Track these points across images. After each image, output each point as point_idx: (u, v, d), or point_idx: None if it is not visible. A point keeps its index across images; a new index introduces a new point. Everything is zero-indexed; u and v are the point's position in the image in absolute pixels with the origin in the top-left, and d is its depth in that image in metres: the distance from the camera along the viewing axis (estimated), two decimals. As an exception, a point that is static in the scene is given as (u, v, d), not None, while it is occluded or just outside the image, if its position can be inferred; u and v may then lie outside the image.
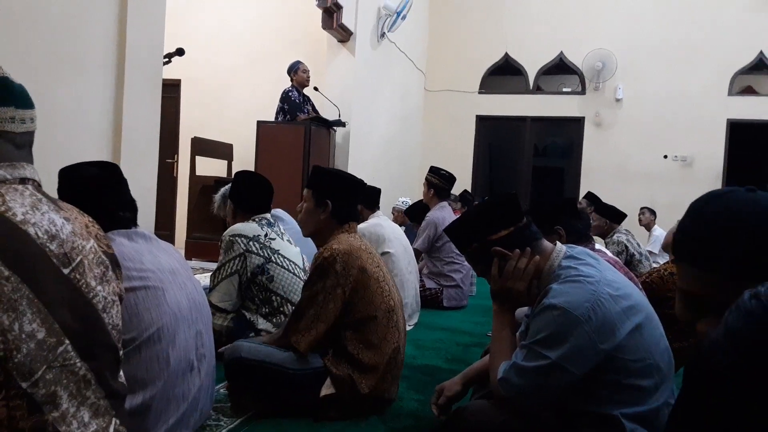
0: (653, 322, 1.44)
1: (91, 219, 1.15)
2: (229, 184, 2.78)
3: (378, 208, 3.86)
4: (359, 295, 1.99)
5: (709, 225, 0.91)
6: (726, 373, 0.63)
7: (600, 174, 8.46)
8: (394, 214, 5.98)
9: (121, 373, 1.13)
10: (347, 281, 1.97)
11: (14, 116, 1.05)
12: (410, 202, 6.11)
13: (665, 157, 8.26)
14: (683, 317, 0.95)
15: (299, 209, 2.16)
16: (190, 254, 5.75)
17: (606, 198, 6.33)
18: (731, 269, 0.87)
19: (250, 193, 2.66)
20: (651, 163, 8.31)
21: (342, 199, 2.12)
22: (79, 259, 1.04)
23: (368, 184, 4.40)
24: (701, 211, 0.94)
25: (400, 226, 5.88)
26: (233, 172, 6.65)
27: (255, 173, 2.93)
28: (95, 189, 1.54)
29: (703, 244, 0.91)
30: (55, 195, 1.38)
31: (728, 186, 8.38)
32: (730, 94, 8.07)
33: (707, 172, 8.12)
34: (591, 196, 6.51)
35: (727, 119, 8.05)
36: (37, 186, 1.08)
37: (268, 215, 2.67)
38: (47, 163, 1.74)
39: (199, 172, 6.00)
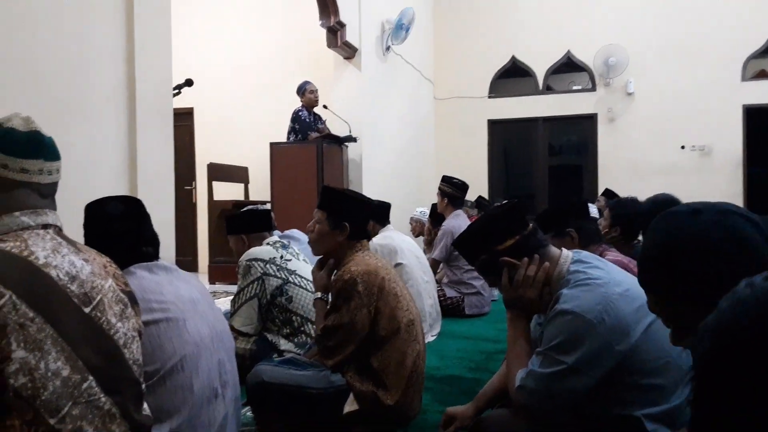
0: (666, 320, 1.44)
1: (108, 259, 1.20)
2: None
3: (388, 222, 3.88)
4: (381, 312, 2.00)
5: (654, 252, 0.96)
6: (711, 361, 0.65)
7: (617, 169, 8.37)
8: (412, 224, 5.99)
9: (146, 405, 1.17)
10: (371, 300, 1.98)
11: (42, 168, 1.11)
12: (428, 213, 6.11)
13: (683, 147, 8.13)
14: (676, 344, 0.97)
15: (310, 228, 2.16)
16: (213, 278, 5.83)
17: (625, 193, 6.23)
18: (681, 294, 0.91)
19: (249, 218, 2.82)
20: (668, 154, 8.19)
21: (358, 221, 2.12)
22: (99, 298, 1.08)
23: (382, 197, 4.46)
24: (647, 240, 0.99)
25: (419, 236, 5.91)
26: (250, 195, 6.76)
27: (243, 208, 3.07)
28: (120, 225, 1.59)
29: (654, 272, 0.96)
30: (78, 234, 1.44)
31: (749, 170, 8.19)
32: (743, 79, 7.94)
33: (727, 160, 7.98)
34: (609, 193, 6.44)
35: (743, 105, 7.92)
36: (58, 230, 1.13)
37: (276, 236, 2.74)
38: (67, 203, 1.79)
39: (216, 197, 6.09)
